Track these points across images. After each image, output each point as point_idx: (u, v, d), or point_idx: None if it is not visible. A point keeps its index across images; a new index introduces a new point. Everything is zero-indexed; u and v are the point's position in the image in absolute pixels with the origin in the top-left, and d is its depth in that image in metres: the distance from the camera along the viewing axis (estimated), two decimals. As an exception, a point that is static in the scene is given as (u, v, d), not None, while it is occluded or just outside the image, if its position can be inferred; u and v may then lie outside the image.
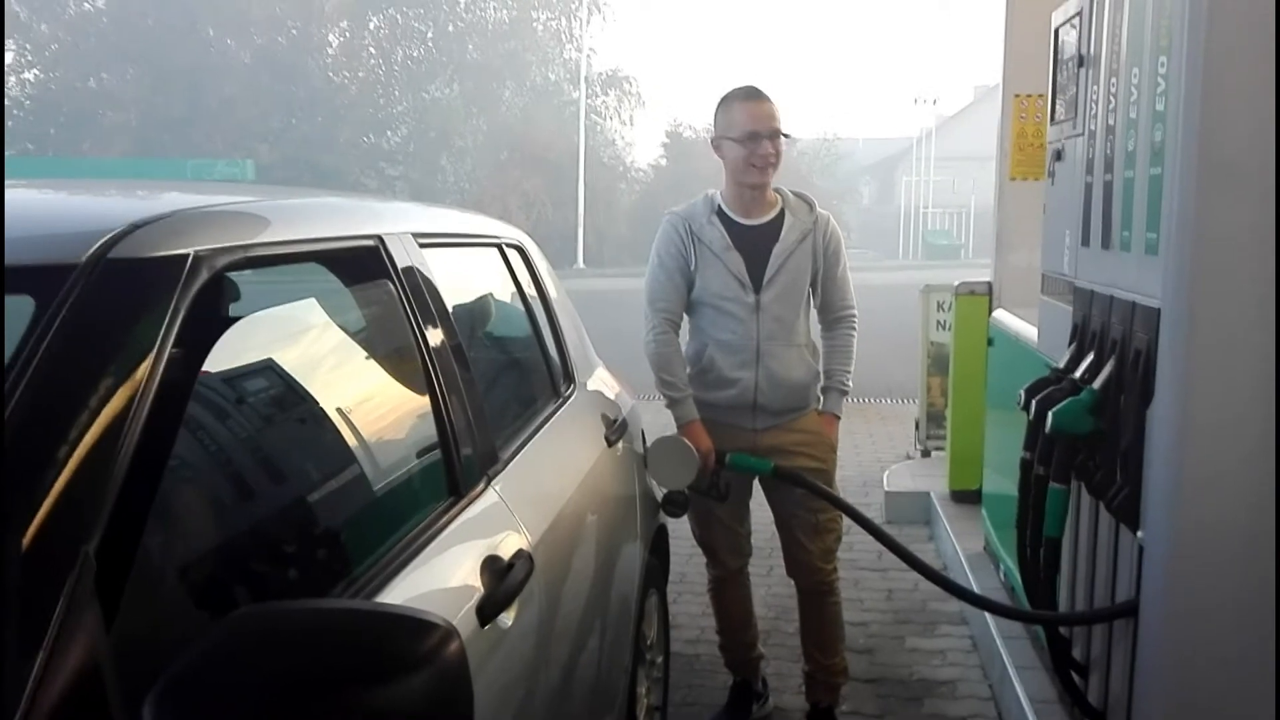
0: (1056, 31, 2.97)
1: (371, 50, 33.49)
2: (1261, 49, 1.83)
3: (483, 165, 32.97)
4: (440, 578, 1.45)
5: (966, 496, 4.58)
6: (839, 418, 2.84)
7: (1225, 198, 1.88)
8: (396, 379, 1.64)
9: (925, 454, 5.71)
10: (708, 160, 2.90)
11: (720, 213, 2.76)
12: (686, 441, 2.66)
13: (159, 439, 1.02)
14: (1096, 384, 2.30)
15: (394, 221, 1.79)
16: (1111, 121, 2.39)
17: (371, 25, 33.68)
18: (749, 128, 2.65)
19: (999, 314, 3.99)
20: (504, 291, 2.37)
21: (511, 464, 1.83)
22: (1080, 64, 2.67)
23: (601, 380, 2.75)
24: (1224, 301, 1.90)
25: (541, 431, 2.07)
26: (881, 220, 41.68)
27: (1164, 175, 2.01)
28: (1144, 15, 2.16)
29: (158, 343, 1.05)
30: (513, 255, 2.44)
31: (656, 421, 2.84)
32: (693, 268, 2.72)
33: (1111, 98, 2.40)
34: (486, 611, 1.46)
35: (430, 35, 33.95)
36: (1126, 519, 2.12)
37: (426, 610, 1.03)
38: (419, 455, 1.61)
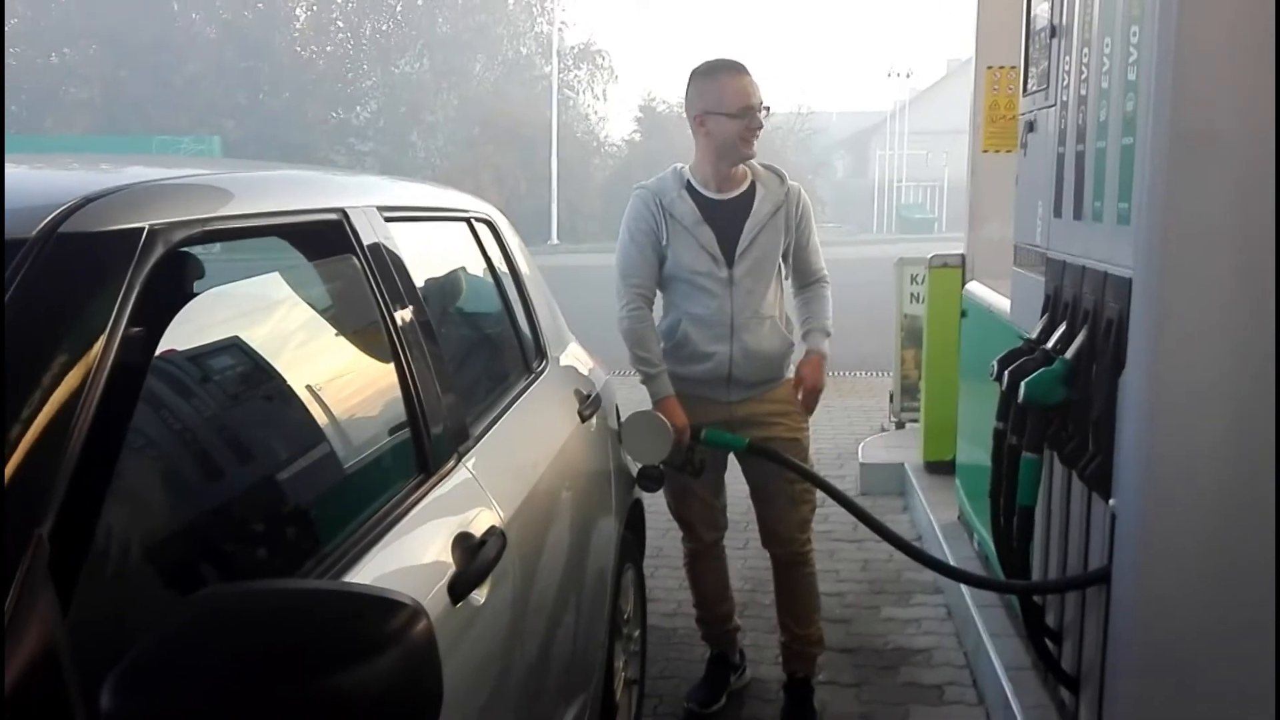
0: (1028, 3, 2.95)
1: (339, 24, 33.05)
2: (1233, 17, 1.83)
3: (454, 140, 32.69)
4: (410, 556, 1.44)
5: (940, 467, 4.61)
6: (825, 356, 2.83)
7: (1197, 167, 1.88)
8: (363, 355, 1.62)
9: (900, 426, 5.74)
10: (682, 134, 2.88)
11: (690, 187, 2.74)
12: (661, 417, 2.65)
13: (114, 418, 0.99)
14: (1068, 354, 2.30)
15: (358, 195, 1.76)
16: (1083, 92, 2.38)
17: (339, -2, 33.25)
18: (744, 102, 2.64)
19: (972, 286, 4.00)
20: (474, 266, 2.34)
21: (483, 440, 1.81)
22: (1052, 35, 2.66)
23: (574, 356, 2.73)
24: (1195, 271, 1.90)
25: (513, 408, 2.05)
26: (855, 194, 41.72)
27: (1136, 145, 2.01)
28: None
29: (111, 319, 1.02)
30: (482, 230, 2.41)
31: (631, 397, 2.82)
32: (664, 242, 2.71)
33: (1084, 68, 2.39)
34: (458, 589, 1.45)
35: (399, 8, 33.52)
36: (1098, 487, 2.13)
37: (394, 590, 1.02)
38: (388, 432, 1.59)
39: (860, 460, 5.12)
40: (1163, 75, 1.89)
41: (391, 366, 1.59)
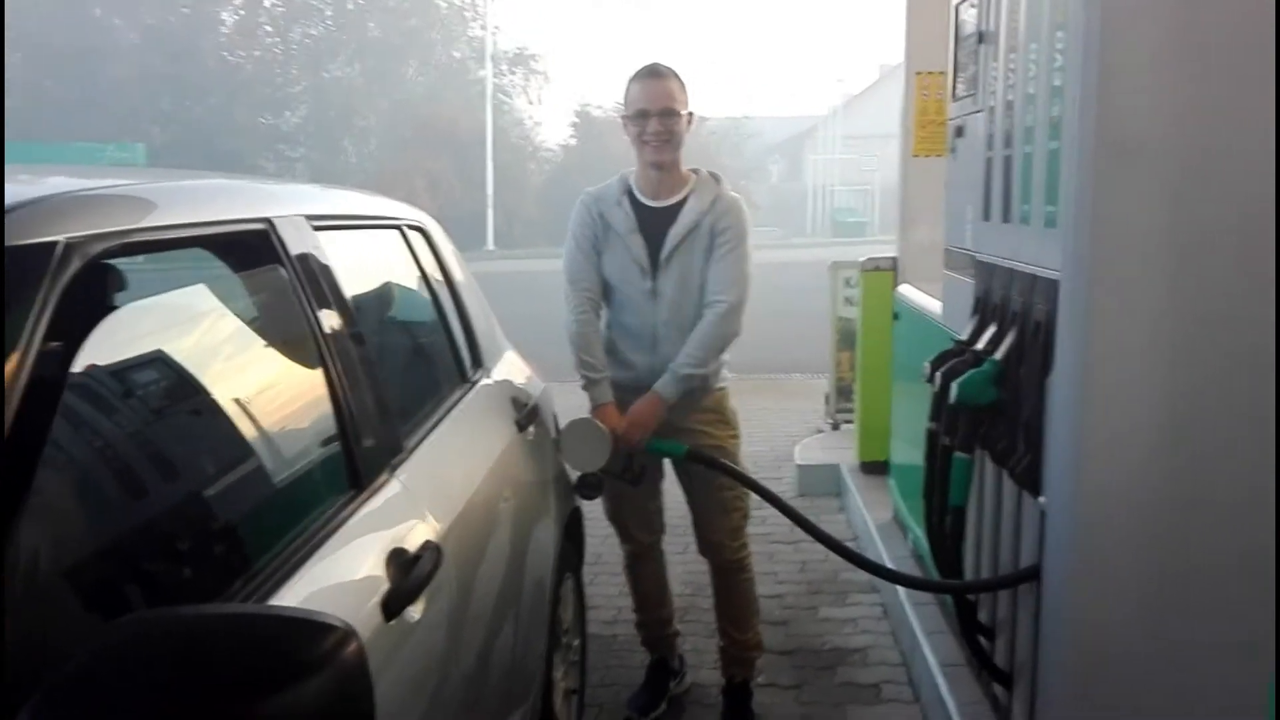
0: (956, 9, 3.01)
1: (267, 28, 32.46)
2: (1155, 22, 1.88)
3: (387, 146, 32.31)
4: (342, 573, 1.41)
5: (875, 467, 4.67)
6: (662, 399, 2.61)
7: (1122, 171, 1.92)
8: (291, 368, 1.58)
9: (835, 427, 5.80)
10: (618, 140, 2.85)
11: (630, 194, 2.73)
12: (599, 423, 2.64)
13: (30, 434, 0.95)
14: (998, 355, 2.35)
15: (285, 203, 1.72)
16: (1010, 97, 2.43)
17: (267, 2, 32.65)
18: (639, 105, 2.64)
19: (904, 289, 4.06)
20: (407, 275, 2.30)
21: (417, 453, 1.78)
22: (980, 41, 2.71)
23: (511, 364, 2.71)
24: (1121, 272, 1.94)
25: (448, 419, 2.02)
26: (790, 198, 42.19)
27: (1062, 150, 2.05)
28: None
29: (26, 335, 0.98)
30: (415, 237, 2.38)
31: (570, 404, 2.81)
32: (600, 249, 2.71)
33: (1010, 74, 2.44)
34: (392, 606, 1.42)
35: (329, 12, 33.05)
36: (1029, 486, 2.17)
37: (322, 611, 0.99)
38: (317, 447, 1.55)
39: (797, 462, 5.16)
40: (1087, 80, 1.93)
41: (321, 379, 1.55)
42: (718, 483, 2.76)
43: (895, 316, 4.08)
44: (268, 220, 1.57)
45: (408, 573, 1.49)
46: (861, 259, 4.92)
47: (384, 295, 2.19)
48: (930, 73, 4.17)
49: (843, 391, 5.76)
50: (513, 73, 34.78)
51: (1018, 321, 2.31)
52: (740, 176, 32.49)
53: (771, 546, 4.16)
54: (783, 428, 6.40)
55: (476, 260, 21.39)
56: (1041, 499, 2.10)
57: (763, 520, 4.09)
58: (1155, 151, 1.91)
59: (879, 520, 4.10)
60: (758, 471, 5.12)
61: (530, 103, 35.25)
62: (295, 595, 1.27)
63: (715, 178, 2.77)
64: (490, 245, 28.76)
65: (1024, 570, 2.19)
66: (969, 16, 2.83)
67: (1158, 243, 1.93)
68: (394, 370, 1.97)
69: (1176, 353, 1.94)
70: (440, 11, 34.53)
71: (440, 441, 1.90)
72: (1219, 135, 1.89)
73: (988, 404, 2.35)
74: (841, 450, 5.17)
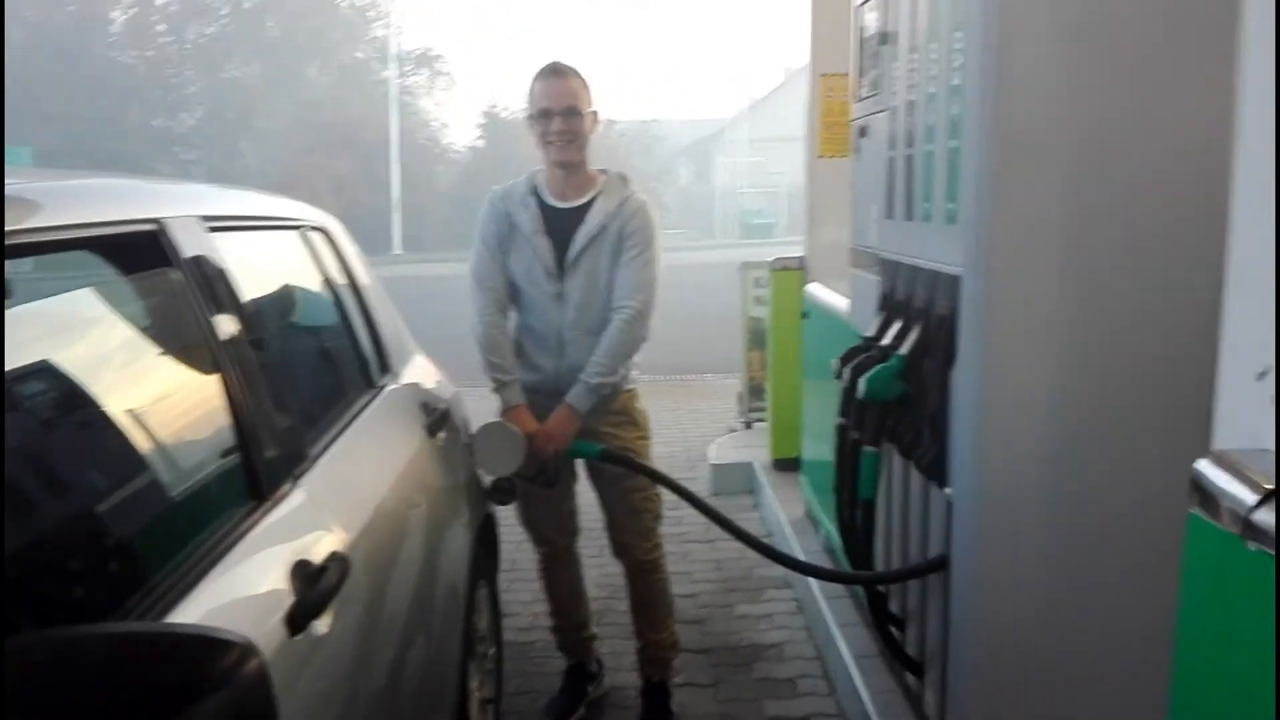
0: (858, 11, 3.06)
1: (160, 28, 31.36)
2: (1051, 22, 1.93)
3: (289, 148, 31.50)
4: (243, 588, 1.35)
5: (788, 464, 4.72)
6: (575, 411, 2.59)
7: (1020, 168, 1.97)
8: (186, 376, 1.51)
9: (748, 426, 5.86)
10: (527, 141, 2.81)
11: (536, 193, 2.71)
12: (512, 426, 2.60)
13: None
14: (904, 350, 2.39)
15: (178, 204, 1.65)
16: (912, 97, 2.47)
17: (160, 1, 31.53)
18: (541, 104, 2.62)
19: (812, 287, 4.11)
20: (309, 278, 2.24)
21: (321, 462, 1.73)
22: (882, 42, 2.76)
23: (420, 369, 2.65)
24: (1020, 267, 2.00)
25: (355, 425, 1.97)
26: (699, 200, 42.48)
27: (962, 148, 2.10)
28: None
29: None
30: (316, 239, 2.31)
31: (484, 409, 2.76)
32: (506, 249, 2.67)
33: (911, 74, 2.49)
34: (298, 619, 1.38)
35: (225, 11, 32.09)
36: (935, 477, 2.22)
37: (222, 627, 0.95)
38: (214, 458, 1.49)
39: (710, 461, 5.19)
40: (986, 80, 1.98)
41: (217, 387, 1.49)
42: (629, 484, 2.75)
43: (804, 315, 4.13)
44: (158, 221, 1.50)
45: (313, 585, 1.45)
46: (770, 259, 4.97)
47: (284, 299, 2.12)
48: (834, 75, 4.23)
49: (755, 390, 5.82)
50: (417, 73, 34.26)
51: (922, 317, 2.36)
52: (650, 179, 32.58)
53: (687, 545, 4.17)
54: (697, 428, 6.44)
55: (383, 264, 21.05)
56: (947, 490, 2.15)
57: (679, 520, 4.10)
58: (1052, 149, 1.96)
59: (792, 516, 4.15)
60: (673, 471, 5.11)
61: (436, 104, 34.78)
62: (193, 612, 1.21)
63: (624, 179, 2.74)
64: (397, 249, 28.29)
65: (931, 560, 2.24)
66: (871, 18, 2.88)
67: (1055, 238, 1.99)
68: (296, 376, 1.91)
69: (1074, 345, 2.00)
70: (341, 11, 33.84)
71: (346, 449, 1.85)
72: (1113, 132, 1.95)
73: (894, 398, 2.40)
74: (754, 448, 5.22)
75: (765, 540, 3.29)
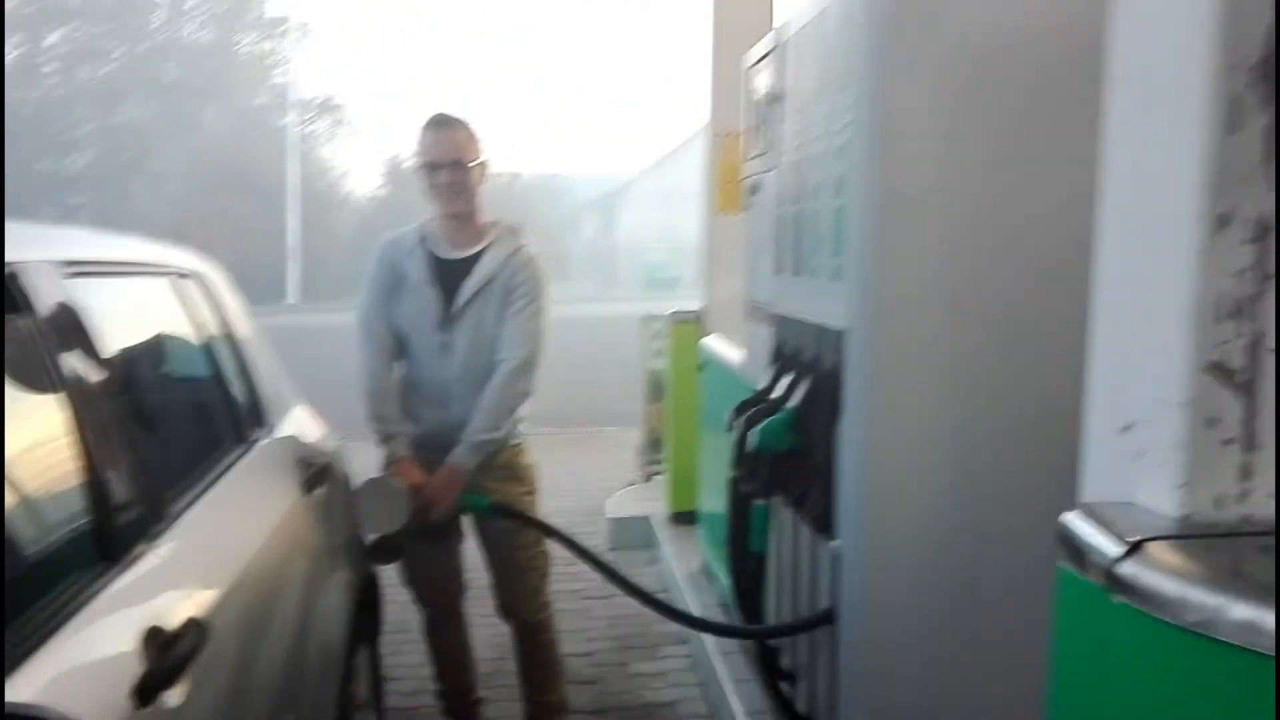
0: (749, 72, 3.12)
1: (49, 68, 30.36)
2: (932, 83, 1.99)
3: (184, 192, 30.66)
4: (87, 655, 1.25)
5: (686, 518, 4.70)
6: (459, 472, 2.54)
7: (902, 225, 2.01)
8: (31, 429, 1.41)
9: (648, 479, 5.83)
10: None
11: (425, 243, 2.66)
12: (396, 481, 2.52)
13: None
14: (793, 403, 2.40)
15: (32, 247, 1.55)
16: (799, 156, 2.52)
17: (50, 41, 30.56)
18: (427, 156, 2.60)
19: (707, 340, 4.13)
20: (180, 327, 2.13)
21: (183, 521, 1.63)
22: (771, 101, 2.81)
23: (299, 422, 2.55)
24: (903, 322, 2.03)
25: (222, 482, 1.87)
26: (603, 253, 42.80)
27: (846, 206, 2.14)
28: (827, 53, 2.30)
29: None
30: (192, 286, 2.21)
31: (373, 462, 2.67)
32: (394, 298, 2.61)
33: (799, 133, 2.53)
34: (147, 690, 1.28)
35: (117, 54, 31.26)
36: (823, 530, 2.22)
37: (44, 706, 0.87)
38: (62, 518, 1.39)
39: (608, 515, 5.13)
40: (870, 139, 2.02)
41: (67, 440, 1.40)
42: (515, 542, 2.68)
43: (700, 367, 4.14)
44: (8, 265, 1.41)
45: (166, 652, 1.35)
46: (670, 311, 4.99)
47: (149, 348, 2.01)
48: (731, 133, 4.31)
49: (655, 443, 5.80)
50: (318, 121, 33.86)
51: (811, 370, 2.38)
52: (555, 231, 32.73)
53: (584, 602, 4.10)
54: (596, 481, 6.37)
55: (277, 314, 20.49)
56: (834, 542, 2.15)
57: (575, 576, 4.02)
58: (933, 207, 2.01)
59: (689, 570, 4.12)
60: (570, 526, 5.04)
61: (335, 152, 34.39)
62: (29, 683, 1.11)
63: (514, 231, 2.72)
64: (291, 298, 27.64)
65: (819, 614, 2.23)
66: (761, 79, 2.94)
67: (936, 294, 2.03)
68: (158, 430, 1.80)
69: (957, 399, 2.04)
70: (240, 56, 33.33)
71: (211, 507, 1.75)
72: (992, 192, 2.01)
73: (785, 450, 2.40)
74: (653, 502, 5.18)
75: (660, 595, 3.25)
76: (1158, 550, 1.01)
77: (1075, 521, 1.11)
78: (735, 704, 2.85)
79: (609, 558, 4.53)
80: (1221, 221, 1.04)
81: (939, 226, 2.02)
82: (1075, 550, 1.08)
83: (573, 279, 33.37)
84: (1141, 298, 1.14)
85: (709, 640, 3.25)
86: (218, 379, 2.16)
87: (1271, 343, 1.06)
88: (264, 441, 2.20)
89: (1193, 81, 1.04)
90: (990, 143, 2.01)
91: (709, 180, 4.60)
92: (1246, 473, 1.07)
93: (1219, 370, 1.05)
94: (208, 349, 2.17)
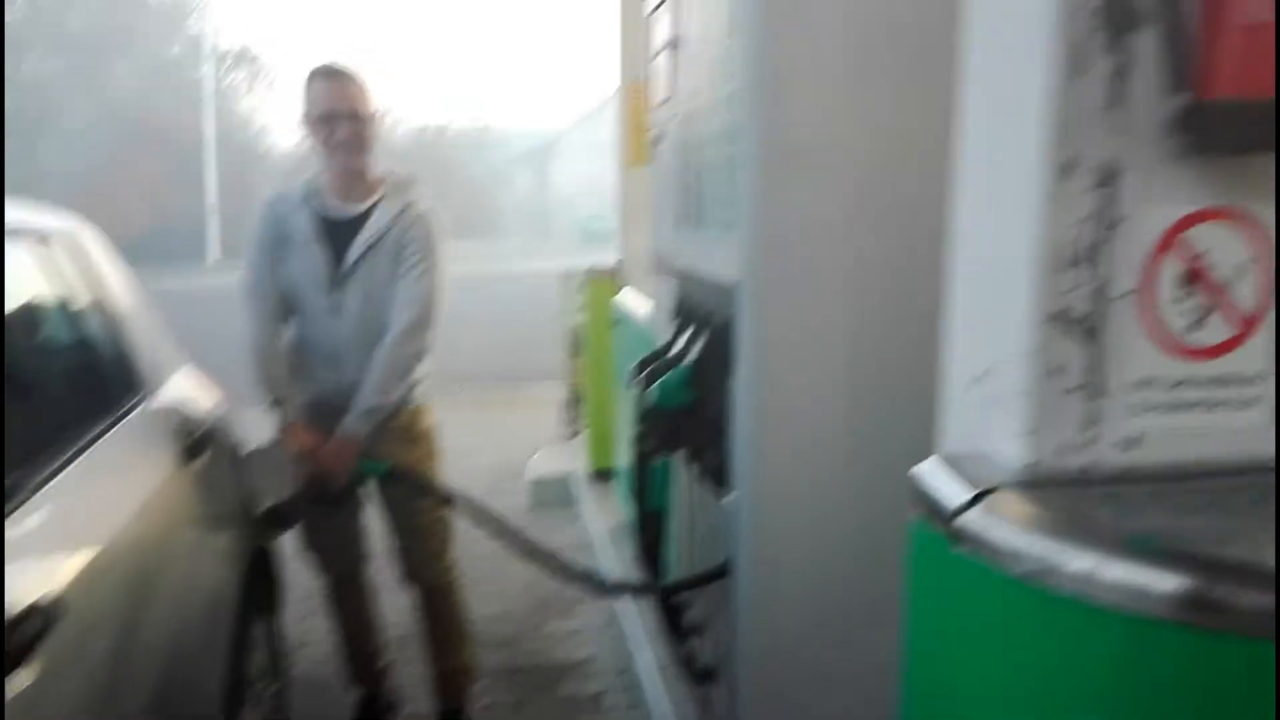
0: (649, 18, 3.05)
1: (-59, 17, 28.88)
2: (824, 29, 1.94)
3: (95, 151, 29.53)
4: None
5: (606, 475, 4.69)
6: (351, 440, 2.47)
7: (794, 176, 1.97)
8: None
9: (571, 437, 5.80)
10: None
11: (312, 198, 2.56)
12: (288, 446, 2.46)
13: None
14: (691, 358, 2.38)
15: None
16: (695, 105, 2.47)
17: (-59, -13, 29.02)
18: (321, 108, 2.48)
19: (621, 295, 4.10)
20: (40, 290, 2.02)
21: (38, 496, 1.55)
22: (669, 48, 2.75)
23: (183, 388, 2.46)
24: (792, 274, 2.00)
25: (87, 455, 1.78)
26: (536, 207, 42.39)
27: (737, 155, 2.10)
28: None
29: None
30: (59, 247, 2.10)
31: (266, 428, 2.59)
32: (281, 257, 2.52)
33: (694, 82, 2.48)
34: (-15, 675, 1.22)
35: (19, 3, 29.82)
36: (720, 485, 2.21)
37: None
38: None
39: (528, 476, 5.10)
40: (760, 87, 1.98)
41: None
42: (415, 507, 2.63)
43: (614, 324, 4.11)
44: None
45: (11, 633, 1.29)
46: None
47: (17, 314, 1.90)
48: (636, 83, 4.23)
49: (577, 400, 5.77)
50: (235, 73, 32.78)
51: (708, 325, 2.35)
52: (486, 185, 32.29)
53: (499, 563, 4.07)
54: (522, 439, 6.33)
55: (198, 275, 19.87)
56: (728, 497, 2.14)
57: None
58: (827, 156, 1.98)
59: (610, 527, 4.12)
60: (491, 487, 5.04)
61: (254, 105, 33.36)
62: None
63: (407, 184, 2.63)
64: (214, 256, 26.91)
65: (713, 569, 2.23)
66: (662, 24, 2.88)
67: (829, 246, 2.00)
68: (11, 401, 1.71)
69: (847, 350, 2.02)
70: (152, 5, 32.01)
71: (71, 480, 1.67)
72: (889, 140, 1.98)
73: (682, 406, 2.38)
74: (575, 460, 5.17)
75: (577, 555, 3.24)
76: (999, 500, 1.01)
77: (925, 473, 1.10)
78: (643, 660, 2.86)
79: (527, 518, 4.53)
80: (1064, 169, 1.02)
81: (834, 175, 1.99)
82: (923, 502, 1.08)
83: (505, 234, 33.02)
84: (993, 247, 1.13)
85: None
86: (83, 346, 2.06)
87: (1116, 290, 1.05)
88: (138, 410, 2.12)
89: (1037, 26, 1.02)
90: (880, 92, 1.97)
91: (622, 132, 4.53)
92: (1090, 420, 1.07)
93: (1062, 319, 1.04)
94: (71, 315, 2.07)
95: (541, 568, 2.65)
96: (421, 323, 2.51)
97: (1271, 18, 1.01)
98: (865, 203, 2.01)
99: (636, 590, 2.78)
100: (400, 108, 40.67)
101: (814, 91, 1.98)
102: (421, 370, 2.60)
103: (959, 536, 1.00)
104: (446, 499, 2.63)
